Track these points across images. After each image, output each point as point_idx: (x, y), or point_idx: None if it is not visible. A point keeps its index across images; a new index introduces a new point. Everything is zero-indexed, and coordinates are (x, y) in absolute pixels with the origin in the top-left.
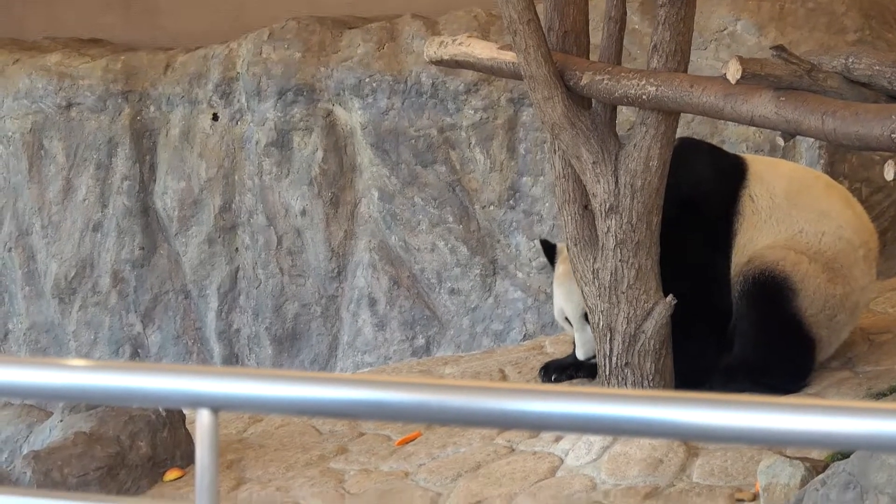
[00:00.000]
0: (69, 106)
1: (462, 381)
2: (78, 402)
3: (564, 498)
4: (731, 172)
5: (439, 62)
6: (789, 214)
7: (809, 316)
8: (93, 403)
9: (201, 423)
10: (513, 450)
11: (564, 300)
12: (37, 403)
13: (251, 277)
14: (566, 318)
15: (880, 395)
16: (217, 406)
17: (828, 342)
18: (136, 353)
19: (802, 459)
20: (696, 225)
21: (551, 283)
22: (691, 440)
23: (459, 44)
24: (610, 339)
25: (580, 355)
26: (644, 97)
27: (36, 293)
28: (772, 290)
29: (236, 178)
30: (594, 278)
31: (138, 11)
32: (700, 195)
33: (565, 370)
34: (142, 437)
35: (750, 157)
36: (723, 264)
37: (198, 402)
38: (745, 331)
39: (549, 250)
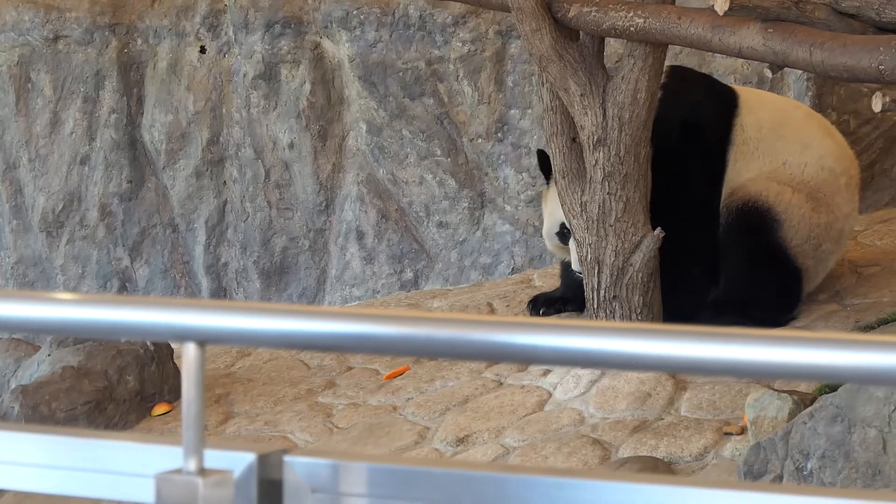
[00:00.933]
0: (56, 38)
1: (450, 314)
2: (65, 335)
3: (552, 432)
4: (725, 101)
5: None
6: (774, 146)
7: (795, 246)
8: (80, 337)
9: (187, 357)
10: (501, 384)
11: None
12: (25, 337)
13: (239, 211)
14: (558, 233)
15: (868, 328)
16: (203, 339)
17: (814, 272)
18: (124, 287)
19: (790, 392)
20: (692, 154)
21: (542, 201)
22: (679, 373)
23: None
24: (598, 273)
25: (578, 267)
26: (632, 29)
27: (23, 227)
28: (756, 221)
29: (224, 111)
30: (582, 211)
31: None
32: (696, 123)
33: (553, 304)
34: (130, 371)
35: (737, 87)
36: (714, 196)
37: (184, 335)
38: (732, 263)
39: (546, 162)
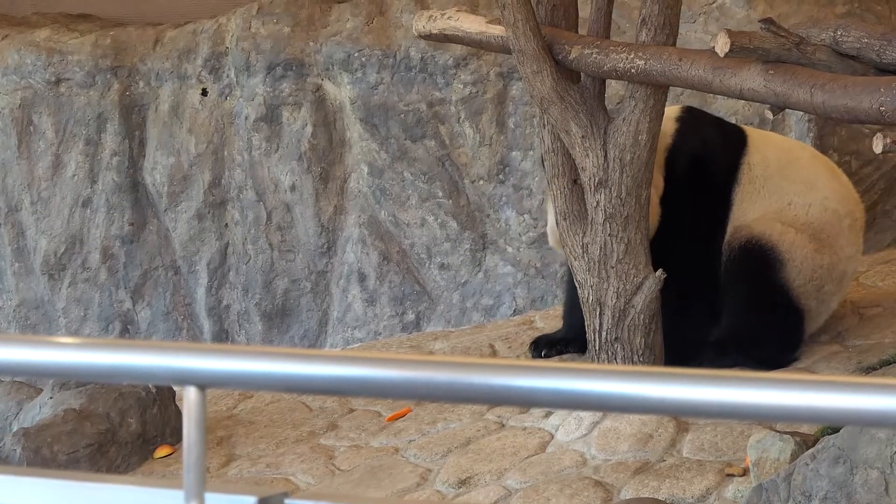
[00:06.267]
0: (58, 81)
1: (452, 357)
2: (65, 379)
3: (555, 473)
4: (735, 140)
5: (428, 36)
6: (780, 186)
7: (797, 287)
8: (81, 381)
9: (188, 401)
10: (503, 425)
11: None
12: (27, 380)
13: (241, 253)
14: None
15: (870, 369)
16: (204, 383)
17: (816, 313)
18: (126, 330)
19: (792, 434)
20: (700, 191)
21: (546, 198)
22: (681, 415)
23: (448, 18)
24: (599, 314)
25: None
26: (633, 71)
27: (25, 270)
28: (759, 260)
29: (226, 153)
30: (583, 253)
31: None
32: (707, 160)
33: (555, 345)
34: (132, 413)
35: (745, 127)
36: (719, 234)
37: (184, 379)
38: (734, 303)
39: None
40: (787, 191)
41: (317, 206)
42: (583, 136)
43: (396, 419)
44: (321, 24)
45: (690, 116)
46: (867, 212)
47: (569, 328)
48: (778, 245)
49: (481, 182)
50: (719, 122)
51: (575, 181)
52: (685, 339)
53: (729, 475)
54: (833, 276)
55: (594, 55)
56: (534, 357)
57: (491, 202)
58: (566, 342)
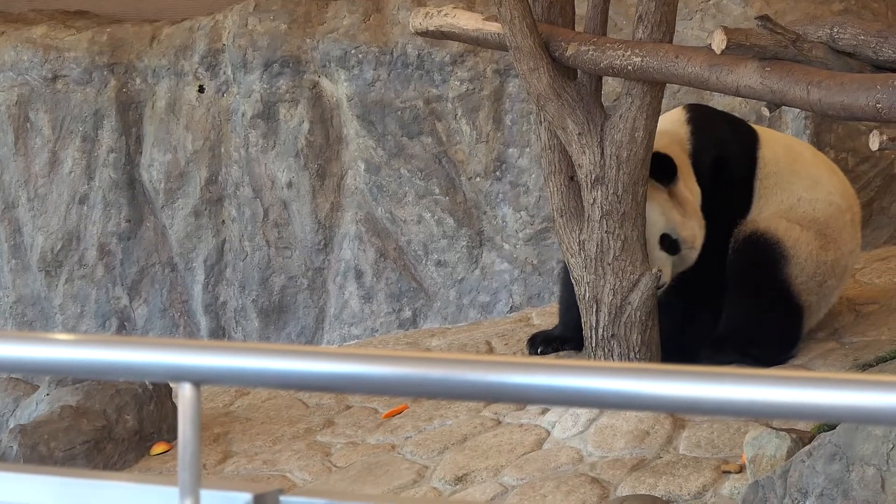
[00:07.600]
0: (55, 78)
1: (448, 354)
2: (60, 375)
3: (551, 470)
4: (748, 135)
5: (425, 33)
6: (790, 181)
7: (799, 283)
8: (76, 377)
9: (183, 397)
10: (499, 422)
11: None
12: (23, 377)
13: (238, 250)
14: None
15: (866, 366)
16: (199, 380)
17: (816, 308)
18: (123, 327)
19: (789, 431)
20: (730, 192)
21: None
22: (677, 413)
23: (445, 15)
24: (596, 311)
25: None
26: (629, 68)
27: (22, 266)
28: (762, 257)
29: (222, 150)
30: (580, 250)
31: None
32: (732, 160)
33: (552, 342)
34: (128, 410)
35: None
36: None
37: (180, 375)
38: (735, 299)
39: None
40: (796, 186)
41: (313, 203)
42: (579, 133)
43: (393, 416)
44: (318, 21)
45: (701, 116)
46: (864, 209)
47: (565, 325)
48: (783, 241)
49: (478, 179)
50: (727, 118)
51: (571, 178)
52: (693, 337)
53: (725, 472)
54: (836, 272)
55: (591, 52)
56: (530, 354)
57: (488, 199)
58: (563, 339)
